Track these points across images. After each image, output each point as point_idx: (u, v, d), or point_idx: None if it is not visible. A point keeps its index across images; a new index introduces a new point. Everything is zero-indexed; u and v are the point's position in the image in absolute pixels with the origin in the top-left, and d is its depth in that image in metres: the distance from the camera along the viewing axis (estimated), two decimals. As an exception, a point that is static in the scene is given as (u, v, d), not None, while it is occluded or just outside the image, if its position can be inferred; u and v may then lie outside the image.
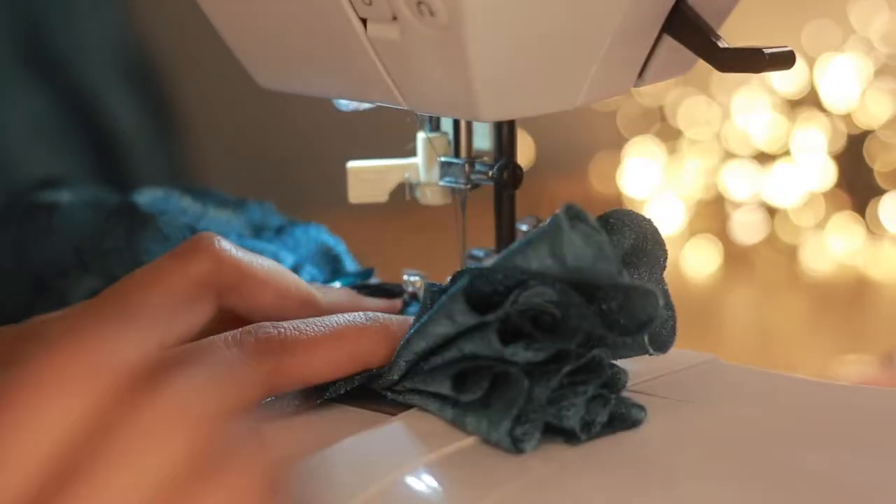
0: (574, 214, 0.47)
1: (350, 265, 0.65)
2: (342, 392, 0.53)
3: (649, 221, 0.53)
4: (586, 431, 0.49)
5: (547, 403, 0.49)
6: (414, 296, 0.59)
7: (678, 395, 0.52)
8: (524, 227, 0.59)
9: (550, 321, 0.49)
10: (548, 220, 0.48)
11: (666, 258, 0.54)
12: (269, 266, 0.56)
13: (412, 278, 0.59)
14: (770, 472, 0.47)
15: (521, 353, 0.49)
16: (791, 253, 1.76)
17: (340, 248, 0.65)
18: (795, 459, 0.48)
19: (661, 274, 0.54)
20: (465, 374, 0.50)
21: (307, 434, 0.52)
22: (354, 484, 0.47)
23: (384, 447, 0.50)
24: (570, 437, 0.49)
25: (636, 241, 0.53)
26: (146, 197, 0.67)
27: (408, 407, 0.52)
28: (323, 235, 0.65)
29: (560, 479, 0.47)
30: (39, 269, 0.66)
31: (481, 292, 0.49)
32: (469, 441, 0.49)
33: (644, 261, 0.53)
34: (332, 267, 0.64)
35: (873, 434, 0.50)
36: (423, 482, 0.47)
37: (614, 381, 0.51)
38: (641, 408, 0.51)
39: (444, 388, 0.50)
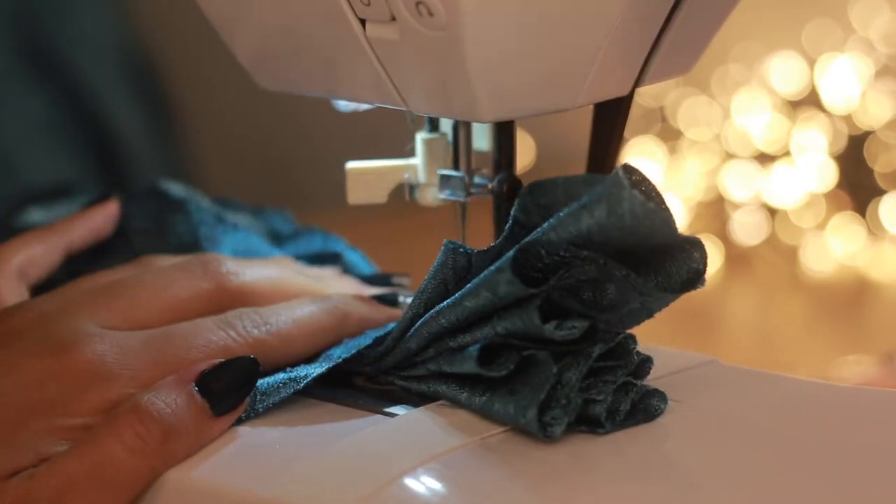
0: (632, 171, 0.47)
1: (365, 269, 0.65)
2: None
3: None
4: (611, 421, 0.49)
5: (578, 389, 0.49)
6: None
7: (678, 397, 0.52)
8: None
9: (591, 297, 0.49)
10: (606, 180, 0.47)
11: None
12: (272, 287, 0.56)
13: (403, 280, 0.60)
14: (771, 473, 0.47)
15: (556, 333, 0.48)
16: (791, 254, 1.76)
17: (354, 256, 0.65)
18: (796, 461, 0.48)
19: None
20: (492, 352, 0.49)
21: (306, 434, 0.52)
22: (355, 483, 0.47)
23: (387, 444, 0.49)
24: (594, 425, 0.49)
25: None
26: (172, 187, 0.67)
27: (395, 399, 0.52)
28: (334, 242, 0.65)
29: (558, 480, 0.47)
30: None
31: (523, 267, 0.49)
32: (473, 439, 0.49)
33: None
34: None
35: (874, 435, 0.50)
36: (423, 483, 0.47)
37: (640, 370, 0.51)
38: (664, 398, 0.51)
39: (469, 366, 0.50)
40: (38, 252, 0.61)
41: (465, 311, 0.50)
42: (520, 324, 0.49)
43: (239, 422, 0.52)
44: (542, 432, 0.48)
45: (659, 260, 0.49)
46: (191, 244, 0.63)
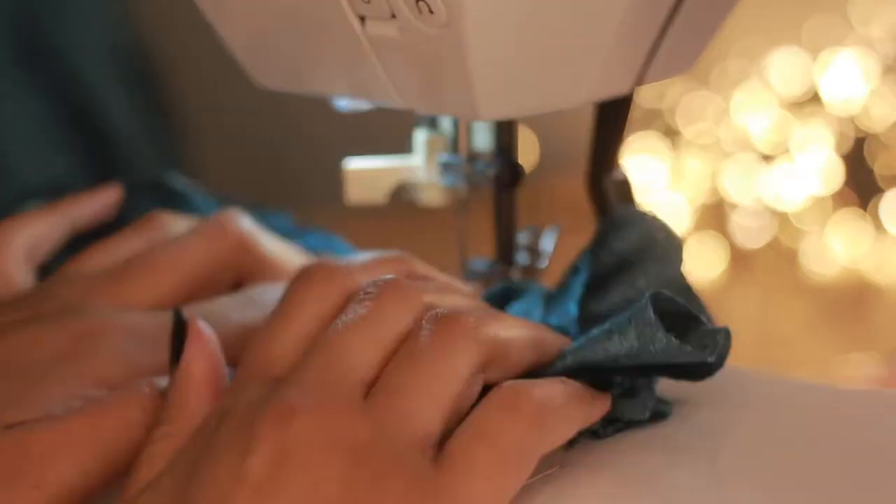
0: (659, 298, 0.47)
1: None
2: None
3: (656, 219, 0.53)
4: (613, 427, 0.50)
5: None
6: None
7: (680, 398, 0.52)
8: (523, 239, 0.59)
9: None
10: (635, 313, 0.48)
11: (680, 254, 0.53)
12: (286, 253, 0.56)
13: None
14: (772, 474, 0.47)
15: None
16: (794, 255, 1.76)
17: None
18: (797, 462, 0.48)
19: (678, 270, 0.53)
20: None
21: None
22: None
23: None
24: (591, 433, 0.49)
25: (640, 240, 0.53)
26: (172, 179, 0.67)
27: None
28: (333, 242, 0.65)
29: (557, 481, 0.47)
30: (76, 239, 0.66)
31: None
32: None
33: (652, 258, 0.53)
34: None
35: (876, 437, 0.50)
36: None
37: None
38: (667, 402, 0.51)
39: None
40: (43, 230, 0.60)
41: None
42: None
43: None
44: None
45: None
46: None
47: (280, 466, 0.41)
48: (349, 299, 0.48)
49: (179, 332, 0.48)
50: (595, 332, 0.49)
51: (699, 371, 0.49)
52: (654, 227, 0.54)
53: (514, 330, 0.47)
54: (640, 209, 0.55)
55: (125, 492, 0.45)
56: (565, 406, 0.46)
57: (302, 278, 0.48)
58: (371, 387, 0.44)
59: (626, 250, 0.53)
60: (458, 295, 0.50)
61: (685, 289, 0.53)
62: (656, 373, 0.49)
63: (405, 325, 0.45)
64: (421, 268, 0.52)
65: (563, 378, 0.47)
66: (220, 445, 0.42)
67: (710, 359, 0.47)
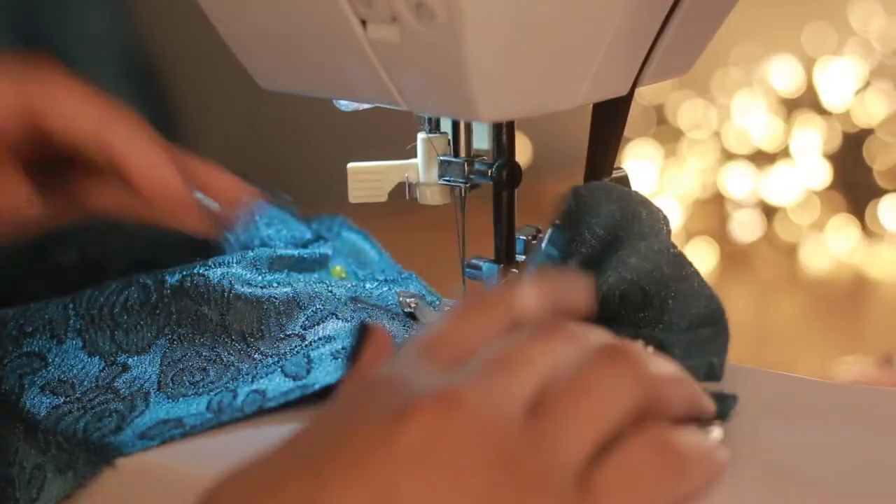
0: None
1: (374, 254, 0.65)
2: None
3: (633, 192, 0.54)
4: None
5: None
6: (411, 315, 0.59)
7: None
8: (524, 238, 0.59)
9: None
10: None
11: (667, 223, 0.54)
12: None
13: (408, 299, 0.60)
14: (767, 470, 0.47)
15: None
16: (789, 252, 1.76)
17: (359, 238, 0.65)
18: (794, 458, 0.48)
19: (667, 241, 0.54)
20: None
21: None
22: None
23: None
24: None
25: (622, 215, 0.53)
26: None
27: None
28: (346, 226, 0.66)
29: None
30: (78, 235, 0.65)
31: None
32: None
33: (635, 233, 0.53)
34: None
35: (872, 433, 0.50)
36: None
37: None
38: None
39: None
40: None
41: None
42: None
43: (245, 419, 0.52)
44: None
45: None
46: None
47: (430, 445, 0.41)
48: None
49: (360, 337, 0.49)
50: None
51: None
52: (632, 201, 0.54)
53: (679, 385, 0.46)
54: (608, 183, 0.55)
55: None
56: (705, 461, 0.45)
57: (497, 291, 0.48)
58: (536, 402, 0.43)
59: (608, 227, 0.54)
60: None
61: (677, 256, 0.53)
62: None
63: (572, 352, 0.45)
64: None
65: (707, 428, 0.47)
66: (373, 408, 0.42)
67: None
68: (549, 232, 0.54)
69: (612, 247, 0.53)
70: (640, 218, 0.53)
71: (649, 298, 0.53)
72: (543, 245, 0.54)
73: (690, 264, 0.53)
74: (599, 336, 0.46)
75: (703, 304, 0.53)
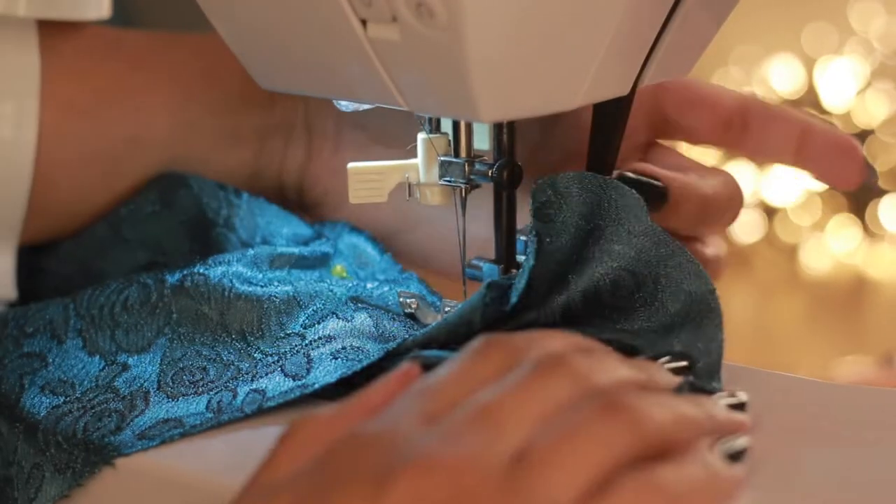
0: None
1: (376, 256, 0.65)
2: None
3: (601, 178, 0.54)
4: None
5: None
6: (411, 316, 0.59)
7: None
8: (524, 238, 0.59)
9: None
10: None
11: (643, 206, 0.54)
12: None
13: (409, 300, 0.60)
14: (768, 471, 0.47)
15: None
16: (790, 252, 1.76)
17: (364, 241, 0.65)
18: (794, 459, 0.48)
19: (646, 222, 0.54)
20: None
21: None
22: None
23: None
24: None
25: (594, 203, 0.54)
26: (169, 172, 0.66)
27: None
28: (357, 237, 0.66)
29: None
30: (77, 249, 0.65)
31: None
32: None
33: (614, 220, 0.54)
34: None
35: (872, 434, 0.50)
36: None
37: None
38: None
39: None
40: None
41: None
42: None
43: (244, 419, 0.52)
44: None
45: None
46: (198, 216, 0.63)
47: None
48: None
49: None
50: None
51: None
52: (602, 188, 0.54)
53: (686, 427, 0.45)
54: (566, 174, 0.55)
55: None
56: (707, 488, 0.44)
57: (482, 344, 0.47)
58: (522, 453, 0.43)
59: (586, 216, 0.54)
60: (629, 370, 0.48)
61: (659, 233, 0.54)
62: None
63: (566, 397, 0.44)
64: (588, 343, 0.50)
65: (707, 461, 0.45)
66: (358, 469, 0.43)
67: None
68: (529, 227, 0.54)
69: (593, 235, 0.53)
70: (614, 202, 0.54)
71: (641, 279, 0.53)
72: (527, 240, 0.54)
73: (674, 241, 0.54)
74: (602, 375, 0.45)
75: (693, 281, 0.53)
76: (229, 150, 0.66)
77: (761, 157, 0.65)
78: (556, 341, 0.47)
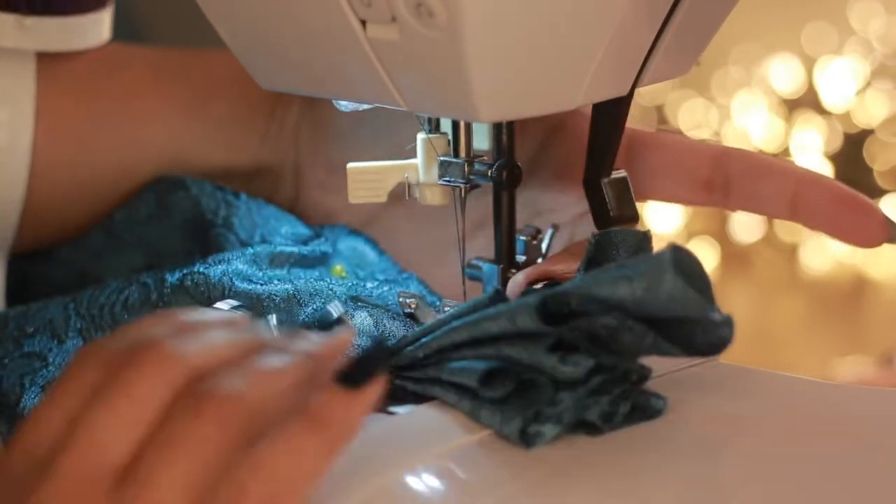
0: (679, 251, 0.48)
1: (374, 258, 0.65)
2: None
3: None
4: (607, 421, 0.49)
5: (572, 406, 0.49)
6: (411, 316, 0.59)
7: (677, 396, 0.52)
8: (524, 238, 0.59)
9: (605, 342, 0.50)
10: (651, 257, 0.48)
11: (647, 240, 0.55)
12: None
13: (408, 300, 0.59)
14: (769, 471, 0.47)
15: (559, 368, 0.49)
16: (790, 252, 1.76)
17: (360, 243, 0.65)
18: (794, 459, 0.48)
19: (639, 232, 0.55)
20: (493, 373, 0.50)
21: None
22: (356, 479, 0.47)
23: (387, 441, 0.50)
24: (591, 428, 0.49)
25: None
26: (166, 174, 0.67)
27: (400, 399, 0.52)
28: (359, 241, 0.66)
29: (556, 478, 0.47)
30: (74, 255, 0.65)
31: (550, 308, 0.50)
32: (475, 437, 0.50)
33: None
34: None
35: (872, 434, 0.50)
36: (423, 480, 0.48)
37: (638, 380, 0.51)
38: (661, 397, 0.51)
39: (471, 381, 0.50)
40: None
41: (480, 331, 0.50)
42: (525, 355, 0.49)
43: None
44: (523, 442, 0.49)
45: (686, 325, 0.50)
46: (196, 217, 0.63)
47: None
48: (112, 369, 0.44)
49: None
50: (606, 271, 0.49)
51: (706, 342, 0.49)
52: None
53: (275, 380, 0.44)
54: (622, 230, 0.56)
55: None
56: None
57: (76, 356, 0.45)
58: (122, 471, 0.43)
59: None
60: (224, 346, 0.46)
61: (639, 236, 0.55)
62: (666, 340, 0.49)
63: (161, 400, 0.43)
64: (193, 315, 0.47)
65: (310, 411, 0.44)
66: None
67: (715, 316, 0.48)
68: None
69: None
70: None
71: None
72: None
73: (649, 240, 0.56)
74: (193, 358, 0.44)
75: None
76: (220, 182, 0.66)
77: (754, 212, 0.62)
78: (153, 328, 0.45)
